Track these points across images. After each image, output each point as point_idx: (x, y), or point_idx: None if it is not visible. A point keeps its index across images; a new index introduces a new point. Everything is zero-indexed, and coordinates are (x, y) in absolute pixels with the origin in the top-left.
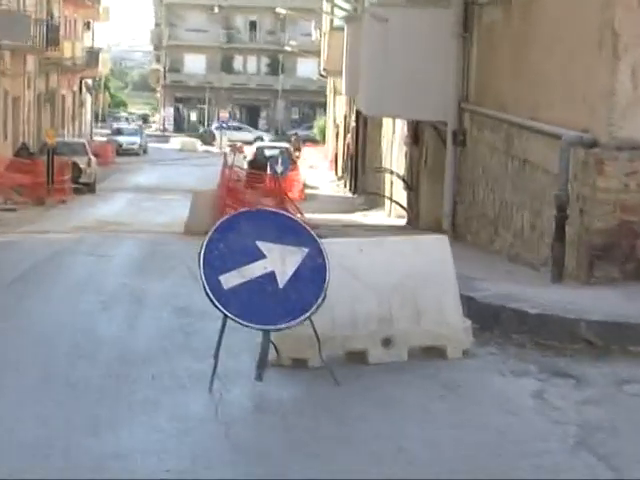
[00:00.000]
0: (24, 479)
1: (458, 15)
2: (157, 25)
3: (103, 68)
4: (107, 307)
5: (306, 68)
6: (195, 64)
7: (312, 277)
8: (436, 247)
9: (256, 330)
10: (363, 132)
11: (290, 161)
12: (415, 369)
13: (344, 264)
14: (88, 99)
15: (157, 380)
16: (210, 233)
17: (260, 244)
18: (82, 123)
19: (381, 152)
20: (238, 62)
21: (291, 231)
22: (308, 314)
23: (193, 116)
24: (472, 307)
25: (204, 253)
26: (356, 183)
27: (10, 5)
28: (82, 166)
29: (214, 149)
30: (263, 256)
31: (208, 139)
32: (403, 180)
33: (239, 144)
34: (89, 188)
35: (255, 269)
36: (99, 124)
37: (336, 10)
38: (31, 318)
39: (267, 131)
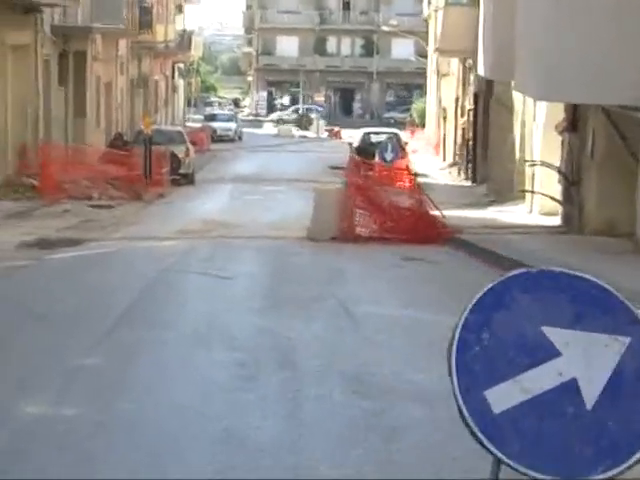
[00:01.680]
0: None
1: None
2: (249, 7)
3: (195, 52)
4: (249, 376)
5: (401, 49)
6: (288, 47)
7: (639, 388)
8: None
9: None
10: (483, 116)
11: (399, 148)
12: None
13: None
14: (180, 84)
15: None
16: (465, 314)
17: (549, 331)
18: (175, 109)
19: (512, 139)
20: (331, 44)
21: (597, 306)
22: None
23: (286, 100)
24: None
25: (457, 348)
26: (475, 171)
27: None
28: (180, 156)
29: (311, 134)
30: (555, 353)
31: (305, 124)
32: (560, 173)
33: (336, 129)
34: (187, 179)
35: (543, 377)
36: (191, 109)
37: None
38: (140, 402)
39: (362, 116)
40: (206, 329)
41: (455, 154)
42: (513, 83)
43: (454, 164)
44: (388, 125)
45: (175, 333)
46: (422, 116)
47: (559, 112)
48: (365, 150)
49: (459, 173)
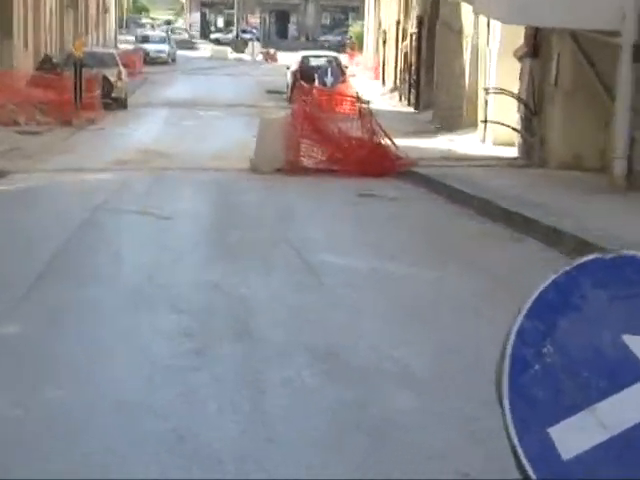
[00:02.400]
0: None
1: None
2: None
3: None
4: (199, 349)
5: None
6: None
7: None
8: None
9: None
10: (428, 40)
11: (340, 72)
12: None
13: None
14: (112, 4)
15: None
16: (519, 319)
17: (632, 342)
18: (106, 31)
19: (462, 64)
20: None
21: None
22: None
23: (220, 22)
24: None
25: (509, 367)
26: (418, 97)
27: None
28: (112, 79)
29: (246, 57)
30: None
31: (239, 46)
32: (520, 101)
33: (272, 52)
34: (120, 104)
35: (628, 406)
36: (123, 31)
37: None
38: (69, 389)
39: (298, 38)
40: (145, 286)
41: (396, 79)
42: (471, 6)
43: (395, 89)
44: (323, 48)
45: (109, 291)
46: (360, 39)
47: (516, 36)
48: (304, 74)
49: (400, 99)
